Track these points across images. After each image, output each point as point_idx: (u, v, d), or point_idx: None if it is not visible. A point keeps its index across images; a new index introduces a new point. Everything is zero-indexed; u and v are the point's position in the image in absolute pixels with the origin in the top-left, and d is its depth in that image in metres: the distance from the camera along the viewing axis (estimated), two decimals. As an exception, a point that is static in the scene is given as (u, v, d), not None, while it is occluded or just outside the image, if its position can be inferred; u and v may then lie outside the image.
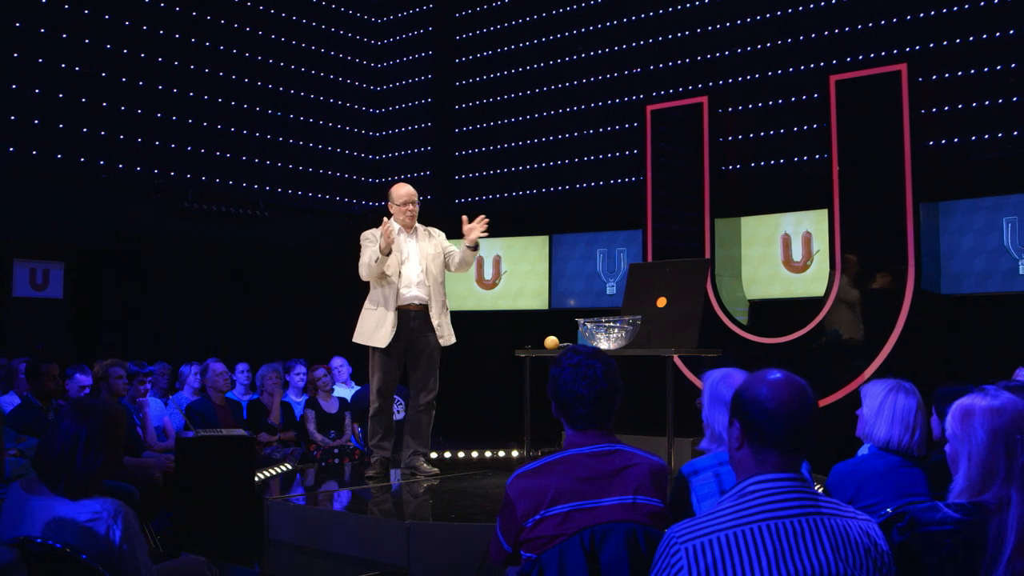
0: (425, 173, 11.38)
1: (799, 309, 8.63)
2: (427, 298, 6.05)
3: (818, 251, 8.78)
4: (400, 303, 6.00)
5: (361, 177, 11.61)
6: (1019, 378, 5.27)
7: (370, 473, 6.14)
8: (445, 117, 11.40)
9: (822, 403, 7.75)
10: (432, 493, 5.55)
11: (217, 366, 7.55)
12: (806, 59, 8.75)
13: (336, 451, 7.83)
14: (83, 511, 2.70)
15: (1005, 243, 7.74)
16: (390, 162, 11.72)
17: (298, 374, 8.63)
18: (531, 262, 10.66)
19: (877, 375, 7.62)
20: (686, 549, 2.07)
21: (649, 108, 9.41)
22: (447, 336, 6.14)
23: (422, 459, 6.15)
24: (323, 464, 7.48)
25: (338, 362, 9.09)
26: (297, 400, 8.39)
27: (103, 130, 9.04)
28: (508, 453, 7.64)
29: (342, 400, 8.41)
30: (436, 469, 6.23)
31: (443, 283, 6.22)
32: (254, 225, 10.04)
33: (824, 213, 8.50)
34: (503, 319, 10.61)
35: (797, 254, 8.94)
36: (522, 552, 2.94)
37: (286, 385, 8.45)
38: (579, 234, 10.28)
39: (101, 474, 2.79)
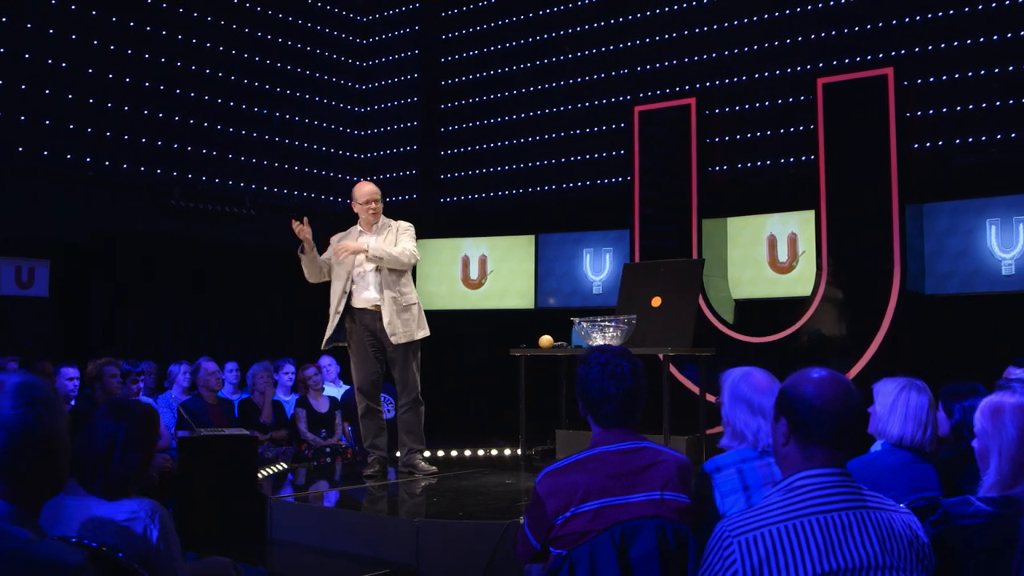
0: (411, 172, 11.39)
1: (784, 309, 8.74)
2: (380, 300, 5.93)
3: (803, 252, 8.89)
4: (356, 304, 5.99)
5: (347, 176, 11.59)
6: (1011, 376, 5.36)
7: (369, 473, 6.14)
8: (431, 116, 11.41)
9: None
10: (434, 491, 5.57)
11: (209, 365, 7.52)
12: (793, 62, 8.85)
13: (328, 450, 7.82)
14: (120, 511, 2.70)
15: (989, 245, 7.89)
16: (376, 161, 11.72)
17: (287, 373, 8.60)
18: (517, 262, 10.70)
19: (863, 374, 7.73)
20: (739, 543, 2.11)
21: (637, 109, 9.48)
22: (399, 335, 5.90)
23: (418, 457, 6.13)
24: (315, 464, 7.47)
25: (326, 361, 9.06)
26: (286, 399, 8.37)
27: (89, 127, 8.97)
28: (500, 452, 7.67)
29: (332, 399, 8.39)
30: (434, 468, 6.23)
31: (402, 281, 6.02)
32: (241, 223, 10.01)
33: (809, 214, 8.61)
34: (489, 319, 10.64)
35: (783, 255, 9.04)
36: (551, 549, 2.97)
37: (275, 384, 8.42)
38: (566, 234, 10.33)
39: (138, 474, 2.79)
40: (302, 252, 5.97)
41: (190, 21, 9.84)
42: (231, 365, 8.48)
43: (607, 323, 6.66)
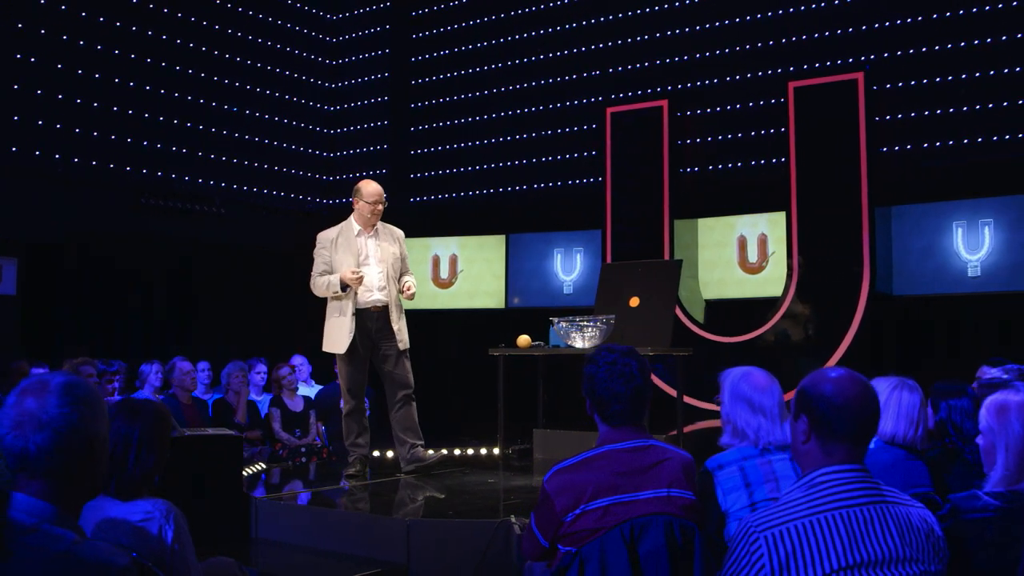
0: (381, 171, 11.36)
1: (754, 309, 8.86)
2: (387, 300, 6.04)
3: (773, 253, 9.01)
4: (360, 305, 6.00)
5: (317, 175, 11.54)
6: (984, 376, 5.50)
7: (350, 471, 6.13)
8: (402, 115, 11.39)
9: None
10: (422, 491, 5.58)
11: (184, 364, 7.45)
12: (765, 66, 8.97)
13: (303, 450, 7.79)
14: (135, 511, 2.69)
15: (955, 247, 8.06)
16: (346, 159, 11.68)
17: (259, 372, 8.57)
18: (487, 261, 10.73)
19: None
20: (765, 537, 2.16)
21: (609, 110, 9.56)
22: (405, 340, 6.13)
23: (421, 449, 6.14)
24: (291, 463, 7.44)
25: (298, 360, 9.03)
26: (259, 399, 8.32)
27: (58, 124, 8.85)
28: (477, 451, 7.69)
29: (307, 399, 8.37)
30: (443, 451, 6.26)
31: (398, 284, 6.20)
32: (210, 222, 9.92)
33: (779, 216, 8.74)
34: (459, 318, 10.65)
35: (753, 255, 9.16)
36: (560, 546, 3.00)
37: (247, 384, 8.37)
38: (537, 234, 10.37)
39: (153, 474, 2.78)
40: (343, 290, 5.94)
41: (160, 17, 9.74)
42: (203, 365, 8.41)
43: (586, 323, 6.70)
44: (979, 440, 2.66)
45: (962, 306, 7.99)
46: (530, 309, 10.24)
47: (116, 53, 9.30)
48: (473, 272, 10.71)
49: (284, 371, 8.19)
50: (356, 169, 11.54)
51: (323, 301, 6.16)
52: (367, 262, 6.02)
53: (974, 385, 5.02)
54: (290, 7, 11.28)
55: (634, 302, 6.96)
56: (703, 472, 3.32)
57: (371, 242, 6.09)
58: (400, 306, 6.15)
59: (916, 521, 2.24)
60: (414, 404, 6.16)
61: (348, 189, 11.48)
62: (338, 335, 5.96)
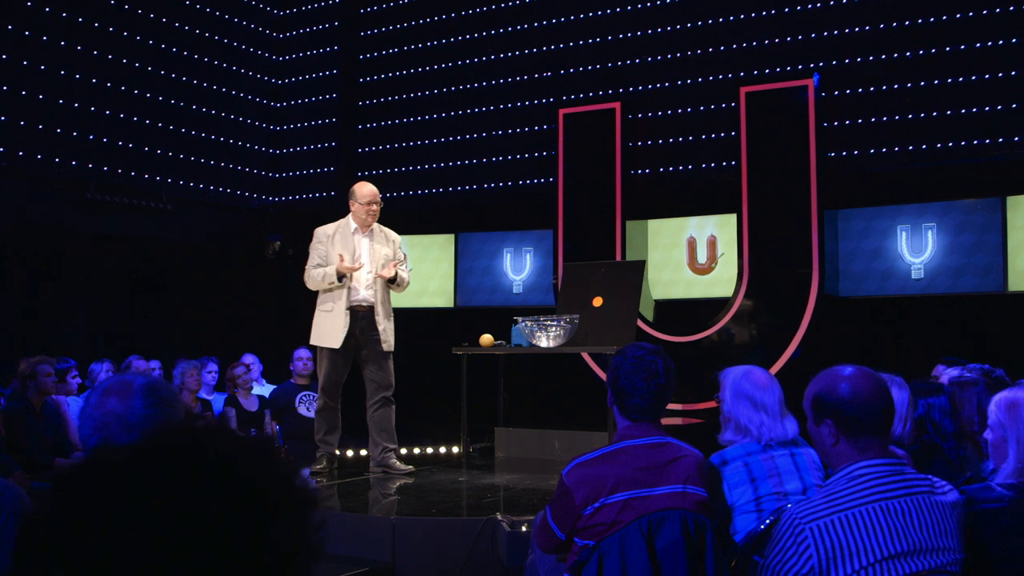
0: (329, 169, 11.28)
1: (702, 309, 9.03)
2: (374, 300, 6.08)
3: (722, 254, 9.19)
4: (350, 303, 6.01)
5: (263, 171, 11.40)
6: (939, 375, 5.69)
7: (316, 468, 6.12)
8: (350, 113, 11.32)
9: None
10: (399, 490, 5.58)
11: (140, 363, 7.34)
12: (717, 70, 9.13)
13: (260, 450, 7.70)
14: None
15: (899, 250, 8.33)
16: (294, 156, 11.55)
17: (210, 372, 8.46)
18: (435, 261, 10.72)
19: (782, 372, 8.06)
20: (811, 529, 2.25)
21: (562, 112, 9.63)
22: (390, 342, 6.19)
23: (393, 456, 6.17)
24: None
25: (250, 359, 8.94)
26: (210, 398, 8.21)
27: (3, 116, 8.59)
28: (436, 449, 7.70)
29: (261, 398, 8.28)
30: (410, 467, 6.27)
31: (389, 288, 6.25)
32: (157, 218, 9.73)
33: (727, 217, 8.92)
34: (407, 317, 10.60)
35: (701, 256, 9.33)
36: (576, 540, 3.05)
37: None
38: (487, 233, 10.40)
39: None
40: (339, 280, 5.91)
41: (106, 9, 9.51)
42: (154, 363, 8.27)
43: (551, 322, 6.77)
44: (987, 435, 2.79)
45: (908, 307, 8.26)
46: (479, 308, 10.27)
47: (62, 44, 9.06)
48: (422, 271, 10.69)
49: (239, 370, 8.10)
50: (303, 167, 11.43)
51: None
52: (359, 261, 6.04)
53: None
54: (237, 1, 11.12)
55: (597, 302, 7.05)
56: (709, 468, 3.41)
57: (365, 242, 6.14)
58: (388, 308, 6.17)
59: (949, 510, 2.36)
60: (392, 407, 6.20)
61: (295, 187, 11.46)
62: (331, 329, 5.95)
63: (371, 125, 11.20)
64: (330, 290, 6.01)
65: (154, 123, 9.94)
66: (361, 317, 6.06)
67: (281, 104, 11.62)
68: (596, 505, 2.97)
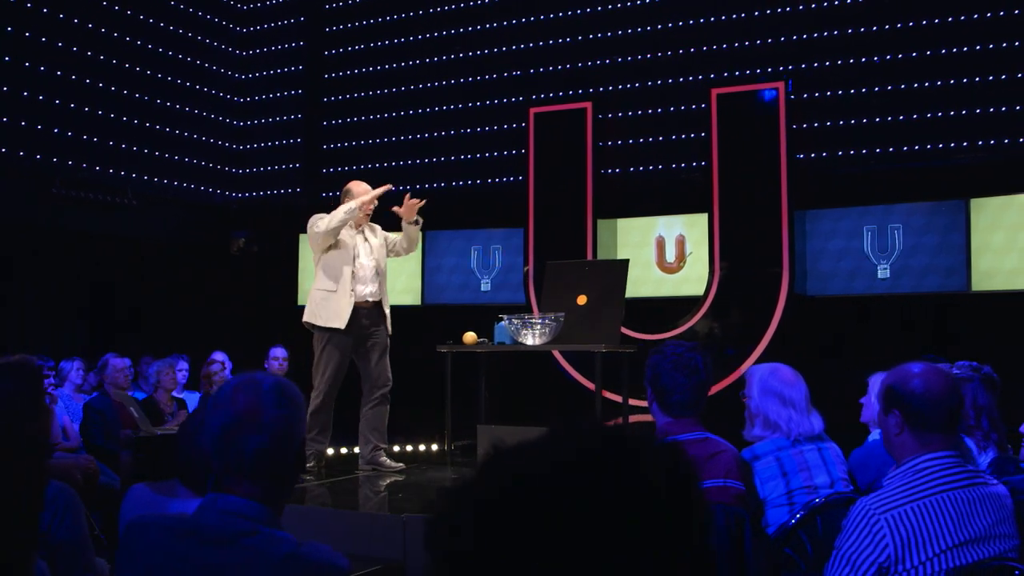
0: (295, 165, 11.19)
1: (671, 308, 9.15)
2: (379, 293, 6.12)
3: (691, 253, 9.32)
4: (356, 299, 5.99)
5: (227, 167, 11.26)
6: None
7: (306, 467, 6.08)
8: (315, 109, 11.23)
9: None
10: (399, 488, 5.58)
11: (117, 361, 7.21)
12: (688, 71, 9.26)
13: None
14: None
15: (866, 250, 8.55)
16: (258, 152, 11.43)
17: (181, 370, 8.36)
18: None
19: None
20: (886, 519, 2.34)
21: (532, 111, 9.66)
22: (389, 327, 6.27)
23: (383, 454, 6.15)
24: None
25: (220, 356, 8.83)
26: (182, 397, 8.11)
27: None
28: (416, 447, 7.70)
29: (236, 396, 8.18)
30: (401, 464, 6.28)
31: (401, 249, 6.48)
32: (123, 213, 9.56)
33: (696, 217, 9.05)
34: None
35: (670, 255, 9.46)
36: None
37: (173, 381, 8.14)
38: (455, 231, 10.39)
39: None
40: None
41: (70, 1, 9.32)
42: (127, 361, 8.13)
43: (536, 321, 6.81)
44: (1023, 429, 2.92)
45: (874, 305, 8.48)
46: (448, 306, 10.28)
47: (27, 36, 8.86)
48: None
49: (215, 367, 8.02)
50: (268, 163, 11.32)
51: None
52: (359, 256, 6.02)
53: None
54: (201, -5, 10.98)
55: (581, 300, 7.11)
56: (742, 463, 3.50)
57: (359, 238, 6.12)
58: (387, 300, 6.19)
59: (1005, 500, 2.48)
60: (388, 406, 6.17)
61: (259, 183, 11.32)
62: (336, 308, 5.86)
63: (336, 122, 11.13)
64: (335, 273, 5.97)
65: (119, 117, 9.77)
66: (367, 313, 6.07)
67: (246, 100, 11.49)
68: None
